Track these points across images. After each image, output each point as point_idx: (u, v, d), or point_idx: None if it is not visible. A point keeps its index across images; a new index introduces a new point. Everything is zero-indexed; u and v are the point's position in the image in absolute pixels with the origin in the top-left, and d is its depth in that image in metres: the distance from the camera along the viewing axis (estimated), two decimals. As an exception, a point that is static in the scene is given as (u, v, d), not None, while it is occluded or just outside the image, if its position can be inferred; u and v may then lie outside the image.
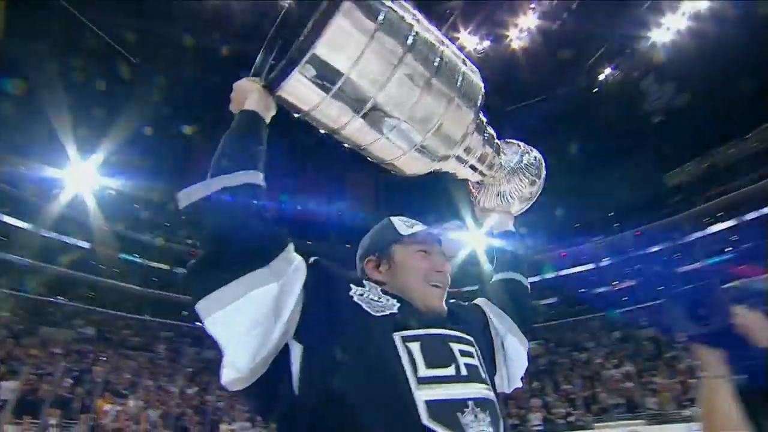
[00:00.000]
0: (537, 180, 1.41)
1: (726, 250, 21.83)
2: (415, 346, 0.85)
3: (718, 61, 20.39)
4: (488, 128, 1.28)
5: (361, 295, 0.91)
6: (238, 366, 0.78)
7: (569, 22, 20.17)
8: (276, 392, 0.80)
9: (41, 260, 19.14)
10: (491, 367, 1.07)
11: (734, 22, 18.78)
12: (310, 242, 23.72)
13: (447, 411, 0.80)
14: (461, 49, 1.20)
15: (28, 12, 17.29)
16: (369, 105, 1.01)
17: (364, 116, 1.04)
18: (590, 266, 26.48)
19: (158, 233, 24.22)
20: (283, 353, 0.81)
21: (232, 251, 0.81)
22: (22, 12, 17.10)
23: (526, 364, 1.19)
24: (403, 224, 1.11)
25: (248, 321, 0.77)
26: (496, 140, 1.33)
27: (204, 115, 23.12)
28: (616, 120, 24.14)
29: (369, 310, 0.89)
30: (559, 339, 22.59)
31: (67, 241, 20.57)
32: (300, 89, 0.99)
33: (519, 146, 1.43)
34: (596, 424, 15.45)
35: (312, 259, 0.92)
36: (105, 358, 16.39)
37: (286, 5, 1.24)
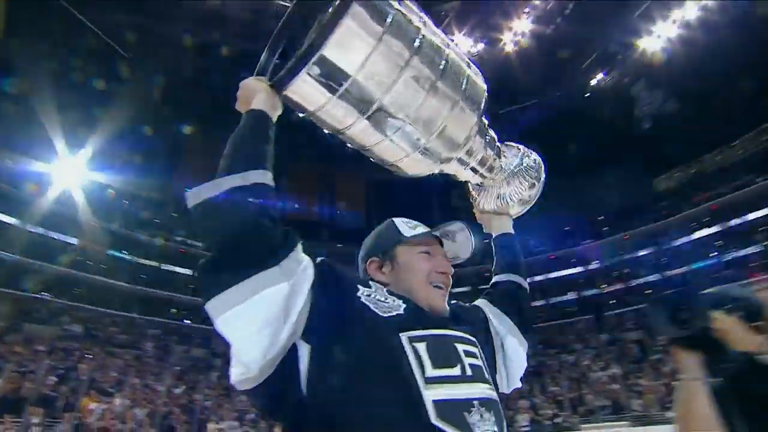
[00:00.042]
0: (536, 183, 1.43)
1: (711, 255, 22.23)
2: (421, 347, 0.86)
3: (706, 70, 20.77)
4: (490, 131, 1.30)
5: (369, 295, 0.92)
6: (248, 365, 0.78)
7: (563, 26, 20.38)
8: (284, 392, 0.80)
9: (27, 256, 18.80)
10: (492, 367, 1.08)
11: (723, 32, 19.13)
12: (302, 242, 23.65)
13: (454, 410, 0.81)
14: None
15: (16, 4, 17.00)
16: (375, 107, 1.02)
17: (369, 118, 1.04)
18: (579, 269, 26.79)
19: (148, 230, 23.94)
20: (291, 353, 0.81)
21: (243, 250, 0.80)
22: (12, 5, 16.82)
23: (525, 364, 1.20)
24: (405, 226, 1.12)
25: (259, 320, 0.77)
26: (497, 143, 1.34)
27: (197, 112, 22.96)
28: (607, 125, 24.44)
29: (377, 310, 0.89)
30: (547, 341, 22.80)
31: (55, 237, 20.23)
32: (307, 89, 0.99)
33: (519, 149, 1.45)
34: (582, 426, 15.63)
35: (319, 259, 0.92)
36: (91, 356, 16.16)
37: (289, 5, 1.24)
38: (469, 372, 0.88)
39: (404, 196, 23.52)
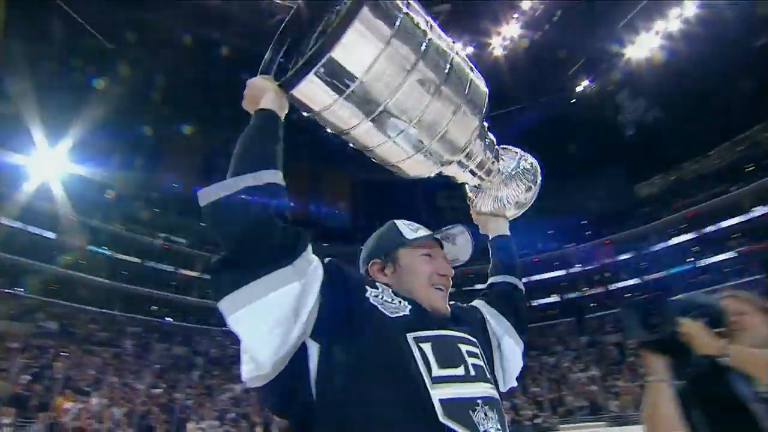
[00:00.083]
0: (533, 186, 1.46)
1: (688, 260, 22.88)
2: (427, 347, 0.88)
3: (686, 80, 21.38)
4: (489, 134, 1.32)
5: (376, 296, 0.93)
6: (260, 363, 0.79)
7: (551, 32, 20.71)
8: (293, 390, 0.81)
9: (2, 251, 18.24)
10: (491, 367, 1.10)
11: (704, 44, 19.71)
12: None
13: (460, 409, 0.83)
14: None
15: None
16: (380, 109, 1.03)
17: (373, 119, 1.05)
18: (561, 272, 27.24)
19: (130, 225, 23.46)
20: (301, 352, 0.81)
21: (257, 250, 0.81)
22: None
23: (521, 364, 1.24)
24: (407, 228, 1.13)
25: (272, 319, 0.78)
26: (496, 146, 1.37)
27: (183, 107, 22.58)
28: (591, 131, 24.92)
29: (384, 311, 0.91)
30: (529, 343, 23.10)
31: (31, 230, 19.66)
32: (314, 90, 1.00)
33: (516, 152, 1.48)
34: (561, 426, 15.91)
35: (327, 260, 0.93)
36: (67, 354, 15.75)
37: (292, 4, 1.24)
38: (472, 372, 0.91)
39: (390, 196, 23.61)
